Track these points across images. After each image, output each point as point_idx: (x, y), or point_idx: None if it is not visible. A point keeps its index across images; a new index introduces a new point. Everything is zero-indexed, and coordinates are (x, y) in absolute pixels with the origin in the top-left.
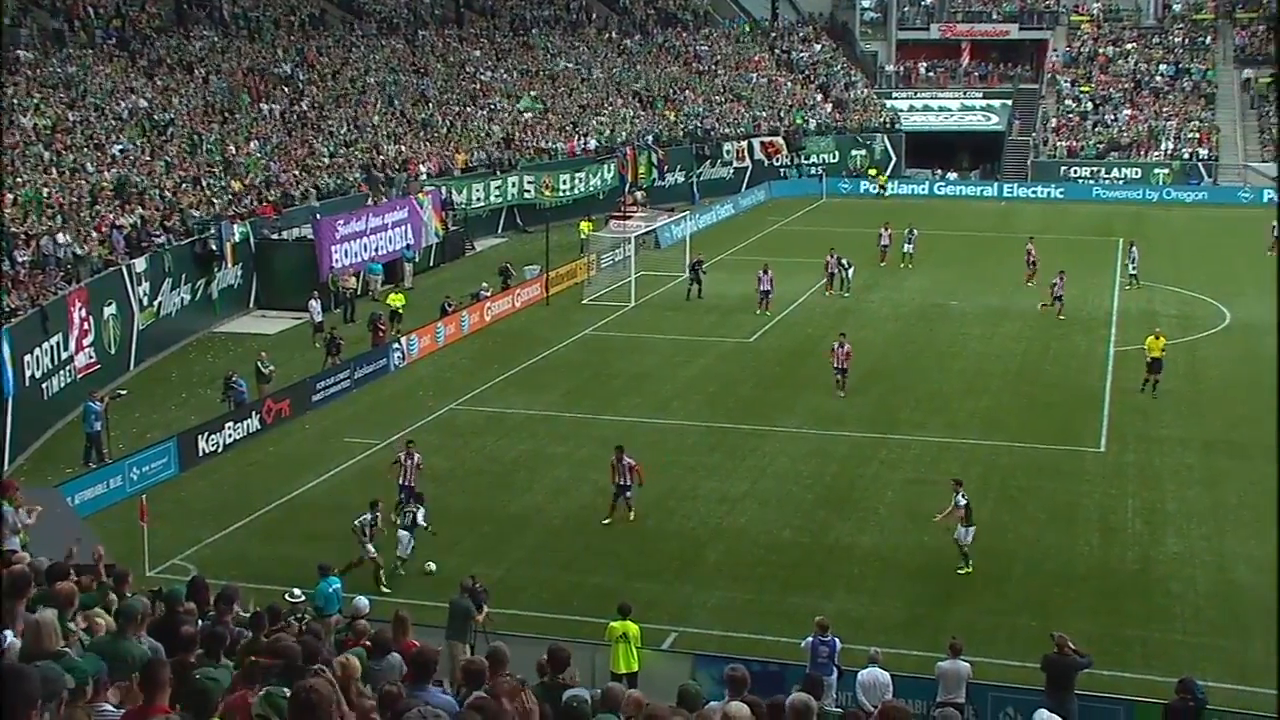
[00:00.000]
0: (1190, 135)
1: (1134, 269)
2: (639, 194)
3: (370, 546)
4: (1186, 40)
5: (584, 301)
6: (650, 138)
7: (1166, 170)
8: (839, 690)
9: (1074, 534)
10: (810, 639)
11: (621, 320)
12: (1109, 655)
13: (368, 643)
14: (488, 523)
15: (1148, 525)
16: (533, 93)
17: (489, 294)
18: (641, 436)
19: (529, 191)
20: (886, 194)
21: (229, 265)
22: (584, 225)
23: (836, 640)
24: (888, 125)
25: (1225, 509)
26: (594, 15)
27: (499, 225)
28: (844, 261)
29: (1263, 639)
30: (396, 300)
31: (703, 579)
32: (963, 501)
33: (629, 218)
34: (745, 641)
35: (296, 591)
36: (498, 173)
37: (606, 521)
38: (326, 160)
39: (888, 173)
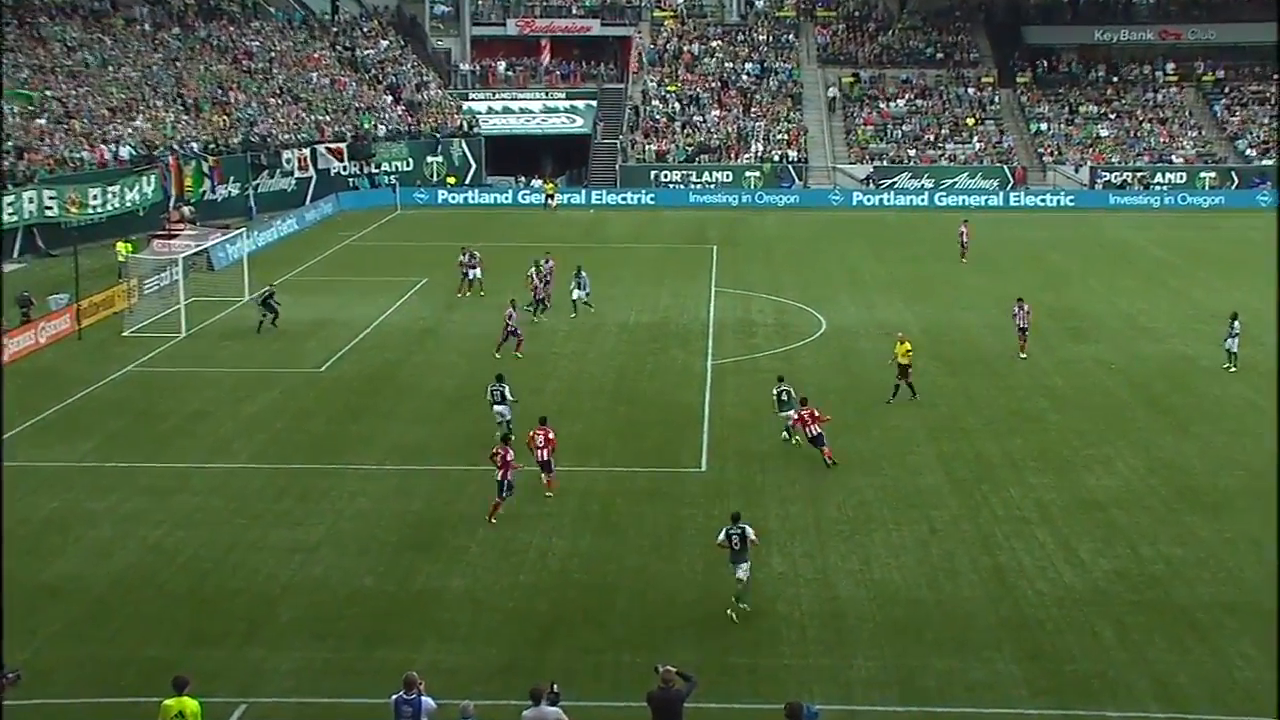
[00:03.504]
0: (780, 137)
1: (585, 296)
2: (186, 209)
3: (745, 568)
4: (771, 38)
5: (125, 334)
6: (197, 145)
7: (758, 174)
8: None
9: (677, 560)
10: (395, 697)
11: (171, 353)
12: (716, 687)
13: None
14: (11, 596)
15: (752, 545)
16: (22, 77)
17: (7, 329)
18: (199, 483)
19: (51, 208)
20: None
21: None
22: (122, 246)
23: (425, 699)
24: (465, 129)
25: (826, 523)
26: (120, 4)
27: (15, 248)
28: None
29: (864, 653)
30: None
31: (275, 640)
32: (774, 392)
33: (175, 236)
34: (326, 707)
35: None
36: (10, 187)
37: None
38: None
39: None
